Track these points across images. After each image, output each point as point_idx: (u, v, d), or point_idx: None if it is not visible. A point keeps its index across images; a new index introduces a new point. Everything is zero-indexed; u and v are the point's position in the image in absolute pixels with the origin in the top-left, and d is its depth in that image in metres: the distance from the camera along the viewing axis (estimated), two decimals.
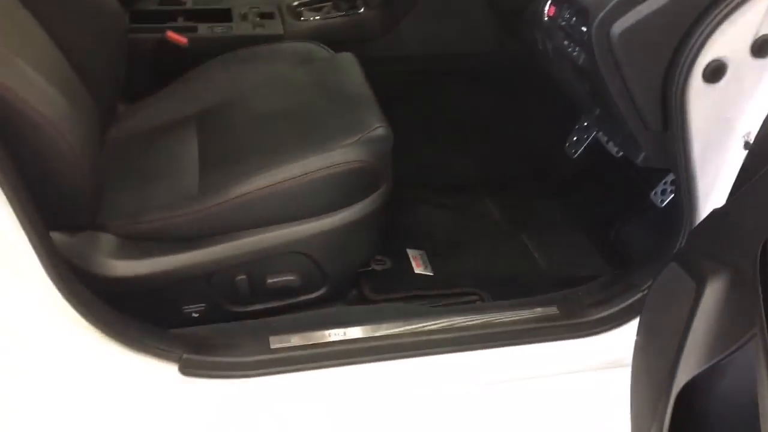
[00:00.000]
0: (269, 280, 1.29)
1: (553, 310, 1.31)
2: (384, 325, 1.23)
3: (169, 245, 1.24)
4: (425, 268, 1.53)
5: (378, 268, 1.51)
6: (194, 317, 1.29)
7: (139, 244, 1.23)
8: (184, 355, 1.14)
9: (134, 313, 1.17)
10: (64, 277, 1.03)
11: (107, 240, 1.22)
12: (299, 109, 1.43)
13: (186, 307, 1.28)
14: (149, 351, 1.12)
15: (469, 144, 1.92)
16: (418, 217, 1.70)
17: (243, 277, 1.27)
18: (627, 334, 1.27)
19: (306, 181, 1.23)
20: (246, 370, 1.17)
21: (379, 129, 1.31)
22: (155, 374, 1.13)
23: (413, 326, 1.24)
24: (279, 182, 1.22)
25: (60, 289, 1.01)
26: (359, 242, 1.36)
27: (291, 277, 1.29)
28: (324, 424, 1.21)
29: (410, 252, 1.57)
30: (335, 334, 1.22)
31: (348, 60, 1.59)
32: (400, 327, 1.24)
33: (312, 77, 1.54)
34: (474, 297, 1.46)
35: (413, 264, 1.54)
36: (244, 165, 1.27)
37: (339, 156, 1.25)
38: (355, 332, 1.23)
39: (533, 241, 1.66)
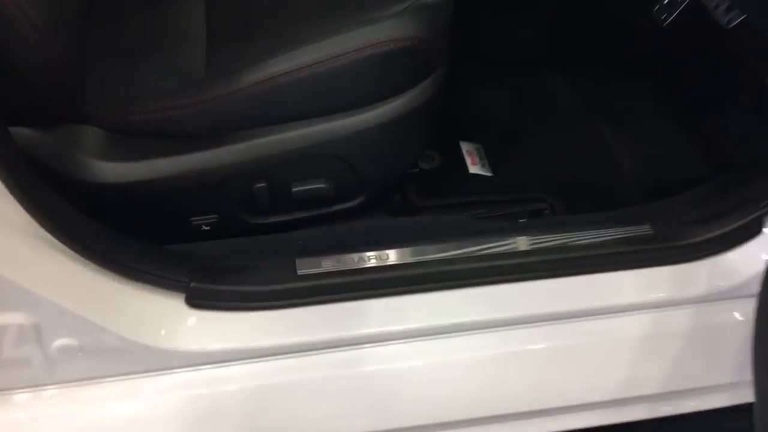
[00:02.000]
0: (294, 189, 1.04)
1: (645, 229, 1.05)
2: (434, 247, 1.00)
3: (168, 144, 0.98)
4: (482, 167, 1.27)
5: (426, 166, 1.25)
6: (204, 230, 1.06)
7: (131, 141, 0.98)
8: (192, 284, 0.92)
9: (128, 229, 0.95)
10: (26, 183, 0.79)
11: (92, 135, 0.97)
12: None
13: (194, 218, 1.05)
14: (146, 279, 0.90)
15: (538, 7, 1.58)
16: (472, 101, 1.40)
17: (262, 184, 1.02)
18: (737, 261, 1.03)
19: (340, 64, 0.94)
20: (268, 300, 0.96)
21: None
22: (155, 308, 0.92)
23: (471, 248, 1.00)
24: (305, 66, 0.94)
25: (21, 200, 0.78)
26: (407, 141, 1.09)
27: (321, 185, 1.04)
28: (362, 369, 1.01)
29: (464, 146, 1.29)
30: (378, 258, 0.98)
31: None
32: (455, 249, 1.00)
33: None
34: (542, 205, 1.21)
35: (468, 161, 1.27)
36: (262, 42, 0.99)
37: (382, 31, 0.95)
38: (400, 255, 1.00)
39: (613, 133, 1.36)
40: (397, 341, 1.00)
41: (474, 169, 1.26)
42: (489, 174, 1.26)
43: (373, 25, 0.95)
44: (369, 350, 0.99)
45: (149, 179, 0.98)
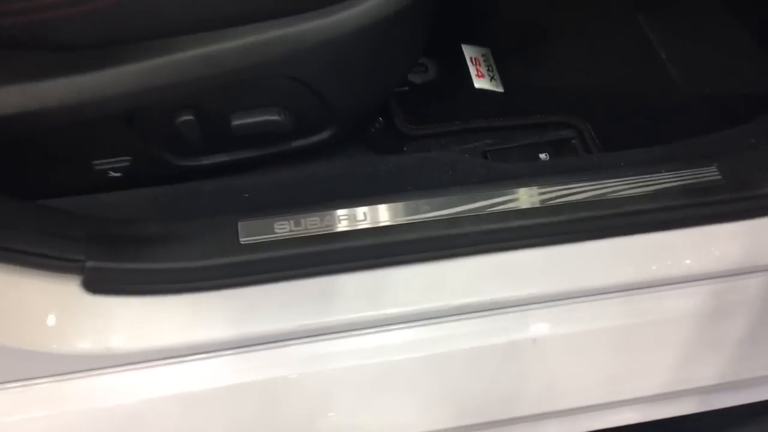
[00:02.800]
0: (235, 122, 0.75)
1: (711, 173, 0.79)
2: (427, 201, 0.73)
3: (52, 61, 0.68)
4: (490, 80, 0.98)
5: (417, 80, 0.95)
6: (113, 177, 0.78)
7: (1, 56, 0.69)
8: (89, 262, 0.66)
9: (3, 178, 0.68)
10: None
11: None
12: None
13: (97, 162, 0.77)
14: (20, 260, 0.63)
15: None
16: None
17: (189, 117, 0.73)
18: None
19: None
20: (194, 280, 0.69)
21: None
22: (39, 297, 0.66)
23: (478, 202, 0.74)
24: None
25: None
26: (390, 53, 0.79)
27: (272, 117, 0.75)
28: (330, 367, 0.76)
29: (467, 51, 1.00)
30: (351, 218, 0.72)
31: None
32: (457, 204, 0.73)
33: None
34: (568, 133, 0.93)
35: (472, 72, 0.98)
36: None
37: None
38: (382, 214, 0.73)
39: (659, 31, 1.05)
40: (378, 329, 0.75)
41: (480, 82, 0.98)
42: (499, 90, 0.97)
43: None
44: (338, 342, 0.74)
45: (29, 110, 0.69)
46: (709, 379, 0.84)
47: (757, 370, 0.87)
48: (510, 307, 0.76)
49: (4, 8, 0.69)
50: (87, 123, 0.72)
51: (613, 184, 0.76)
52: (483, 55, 1.00)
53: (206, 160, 0.81)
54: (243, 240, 0.70)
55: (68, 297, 0.67)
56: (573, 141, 0.94)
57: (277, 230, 0.71)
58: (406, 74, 0.92)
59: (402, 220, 0.72)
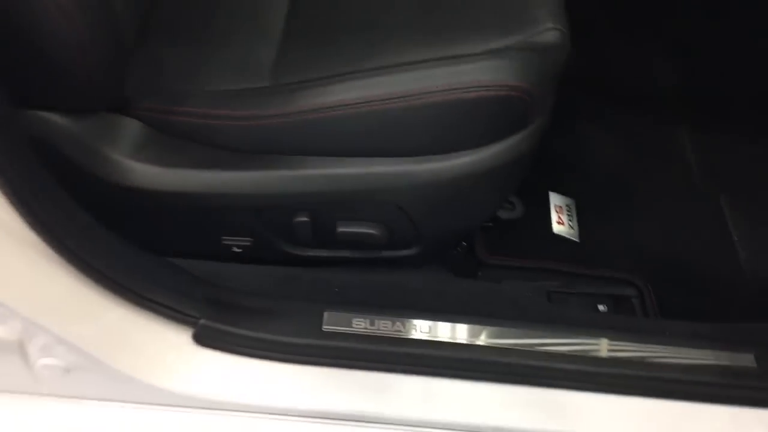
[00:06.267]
0: (340, 229, 0.90)
1: (748, 360, 0.86)
2: (490, 329, 0.84)
3: (209, 154, 0.86)
4: (569, 229, 1.09)
5: (503, 215, 1.08)
6: (235, 252, 0.94)
7: (170, 143, 0.87)
8: (202, 321, 0.81)
9: (148, 236, 0.85)
10: (23, 179, 0.67)
11: (127, 129, 0.86)
12: None
13: (226, 238, 0.93)
14: (150, 307, 0.79)
15: (680, 41, 1.34)
16: (573, 140, 1.21)
17: (305, 219, 0.89)
18: None
19: (414, 104, 0.78)
20: (279, 351, 0.83)
21: (550, 32, 0.81)
22: (157, 340, 0.82)
23: (535, 339, 0.84)
24: (374, 100, 0.78)
25: (13, 199, 0.66)
26: (481, 200, 0.92)
27: (371, 231, 0.90)
28: None
29: (553, 198, 1.12)
30: (417, 329, 0.84)
31: None
32: (515, 336, 0.84)
33: None
34: (629, 291, 1.03)
35: (553, 218, 1.10)
36: (334, 56, 0.84)
37: (471, 73, 0.78)
38: (445, 331, 0.85)
39: (737, 213, 1.14)
40: (417, 428, 0.86)
41: (559, 229, 1.09)
42: (575, 239, 1.08)
43: (461, 64, 0.78)
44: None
45: (182, 191, 0.87)
46: None
47: None
48: None
49: (185, 109, 0.88)
50: (228, 209, 0.89)
51: (659, 351, 0.85)
52: (567, 205, 1.11)
53: (310, 252, 0.96)
54: (325, 327, 0.83)
55: (180, 344, 0.82)
56: (633, 299, 1.02)
57: (354, 325, 0.84)
58: (494, 213, 1.05)
59: (460, 339, 0.84)
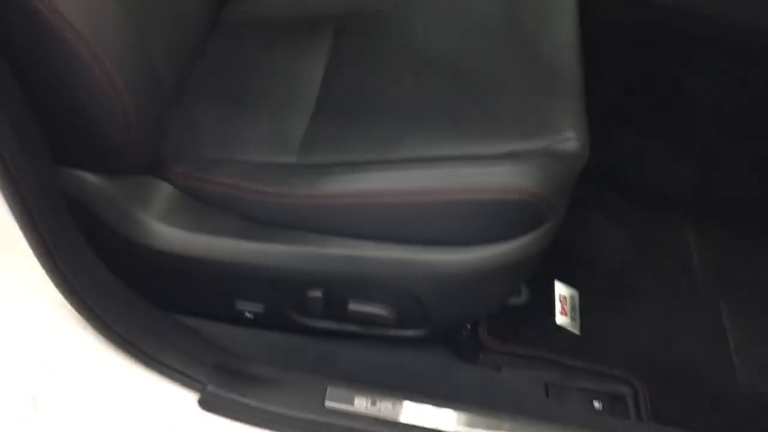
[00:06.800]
0: (351, 307, 0.93)
1: None
2: (485, 420, 0.86)
3: (234, 224, 0.89)
4: (571, 320, 1.12)
5: (509, 301, 1.11)
6: (247, 317, 0.97)
7: (200, 209, 0.89)
8: (209, 386, 0.83)
9: (163, 293, 0.87)
10: (57, 237, 0.71)
11: (159, 193, 0.89)
12: (470, 63, 0.97)
13: (239, 302, 0.96)
14: (159, 369, 0.82)
15: (694, 140, 1.38)
16: (584, 232, 1.25)
17: (318, 294, 0.92)
18: None
19: (434, 200, 0.82)
20: (283, 425, 0.86)
21: (571, 141, 0.85)
22: (162, 400, 0.84)
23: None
24: (396, 192, 0.82)
25: (41, 254, 0.69)
26: (493, 292, 0.96)
27: (381, 312, 0.93)
28: None
29: (559, 288, 1.15)
30: (416, 413, 0.86)
31: None
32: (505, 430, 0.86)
33: (507, 10, 1.05)
34: (625, 389, 1.05)
35: (557, 308, 1.12)
36: (361, 140, 0.88)
37: (493, 175, 0.82)
38: (442, 418, 0.87)
39: (736, 319, 1.17)
40: None
41: (562, 320, 1.11)
42: (576, 332, 1.11)
43: (485, 166, 0.82)
44: None
45: (206, 257, 0.89)
46: None
47: None
48: None
49: (217, 178, 0.90)
50: (246, 276, 0.92)
51: None
52: (571, 296, 1.14)
53: (320, 324, 0.98)
54: (327, 404, 0.85)
55: (185, 407, 0.85)
56: (627, 398, 1.04)
57: (356, 403, 0.86)
58: (504, 303, 1.07)
59: (459, 428, 0.86)
